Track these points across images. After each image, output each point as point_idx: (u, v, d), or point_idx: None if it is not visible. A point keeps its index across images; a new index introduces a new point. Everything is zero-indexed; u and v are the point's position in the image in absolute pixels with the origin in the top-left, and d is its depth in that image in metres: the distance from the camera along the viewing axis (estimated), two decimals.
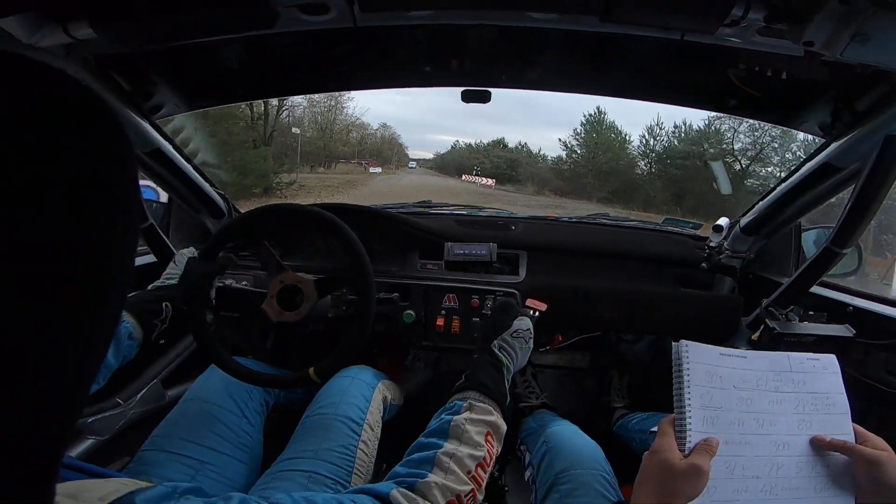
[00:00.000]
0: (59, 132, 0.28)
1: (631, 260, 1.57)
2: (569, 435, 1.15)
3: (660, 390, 1.73)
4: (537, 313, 1.23)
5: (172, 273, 1.14)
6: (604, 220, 1.81)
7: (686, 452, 0.66)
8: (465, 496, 0.64)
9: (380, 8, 0.91)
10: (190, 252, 1.20)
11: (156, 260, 1.39)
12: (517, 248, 1.54)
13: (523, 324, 0.97)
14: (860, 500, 0.70)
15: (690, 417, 0.68)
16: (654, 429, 0.74)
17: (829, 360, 0.76)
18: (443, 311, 1.42)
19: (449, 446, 0.68)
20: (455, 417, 0.72)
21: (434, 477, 0.63)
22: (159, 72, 1.17)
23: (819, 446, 0.71)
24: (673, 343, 0.72)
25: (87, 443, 1.14)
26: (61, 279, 0.28)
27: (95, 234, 0.30)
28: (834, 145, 1.04)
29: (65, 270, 0.28)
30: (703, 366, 0.70)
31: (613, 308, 1.44)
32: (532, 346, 0.98)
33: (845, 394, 0.74)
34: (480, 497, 0.67)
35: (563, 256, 1.56)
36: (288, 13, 0.88)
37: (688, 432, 0.67)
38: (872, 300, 1.27)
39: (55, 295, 0.28)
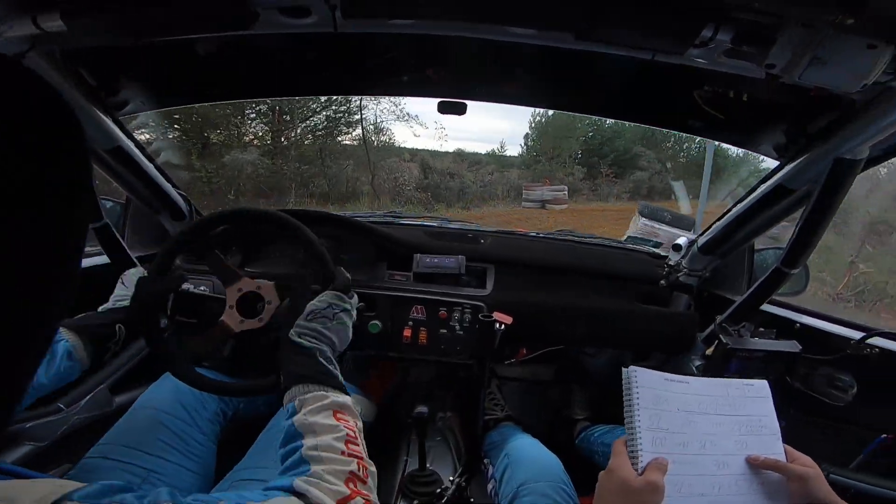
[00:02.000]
0: (14, 124, 0.28)
1: (594, 276, 1.60)
2: (529, 448, 1.17)
3: (619, 403, 1.75)
4: (503, 326, 1.23)
5: (123, 295, 1.07)
6: (569, 237, 1.85)
7: (639, 471, 0.71)
8: (358, 471, 0.64)
9: (362, 15, 0.90)
10: (139, 272, 1.13)
11: (109, 261, 1.33)
12: (485, 262, 1.55)
13: (320, 303, 0.91)
14: None
15: (641, 438, 0.73)
16: None
17: (761, 386, 0.84)
18: (410, 322, 1.40)
19: (308, 441, 0.66)
20: (294, 418, 0.71)
21: (316, 468, 0.62)
22: (126, 67, 1.12)
23: (754, 465, 0.77)
24: (623, 369, 0.78)
25: (24, 448, 1.06)
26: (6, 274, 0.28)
27: (46, 229, 0.30)
28: (787, 168, 1.09)
29: (8, 265, 0.28)
30: (651, 390, 0.77)
31: (576, 323, 1.46)
32: (346, 320, 0.93)
33: (775, 416, 0.82)
34: (371, 467, 0.68)
35: (529, 271, 1.57)
36: (267, 15, 0.86)
37: (639, 452, 0.72)
38: (816, 317, 1.35)
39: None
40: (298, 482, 0.59)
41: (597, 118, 14.30)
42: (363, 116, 11.29)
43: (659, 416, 0.76)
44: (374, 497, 0.64)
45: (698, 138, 15.31)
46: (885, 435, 1.11)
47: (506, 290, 1.48)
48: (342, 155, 11.34)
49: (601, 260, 1.66)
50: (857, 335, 1.18)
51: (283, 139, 10.41)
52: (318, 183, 10.31)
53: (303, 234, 1.10)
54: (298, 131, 10.92)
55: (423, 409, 1.18)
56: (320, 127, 11.19)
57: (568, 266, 1.60)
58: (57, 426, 1.15)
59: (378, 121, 11.94)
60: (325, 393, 0.74)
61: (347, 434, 0.69)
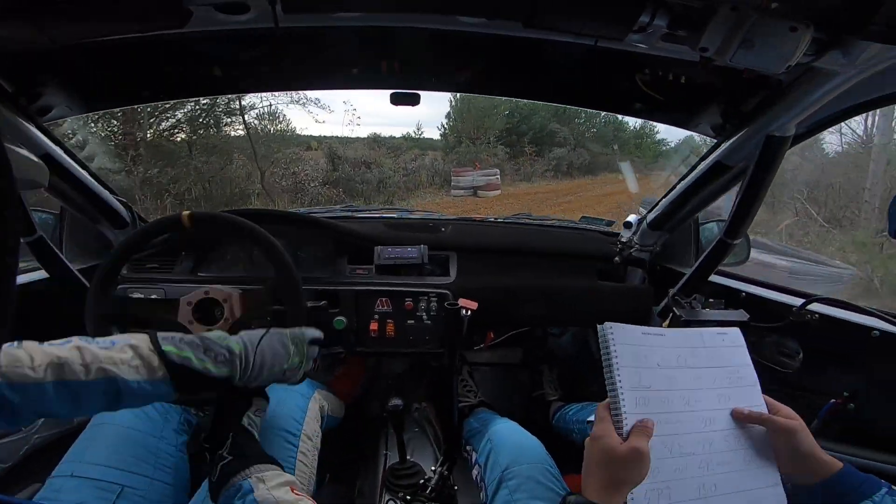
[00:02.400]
0: None
1: (552, 257, 1.64)
2: (510, 432, 1.19)
3: (587, 380, 1.82)
4: (469, 312, 1.25)
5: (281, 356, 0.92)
6: (526, 220, 1.90)
7: (624, 436, 0.67)
8: None
9: (304, 9, 0.88)
10: (314, 335, 1.01)
11: (48, 276, 1.27)
12: (447, 250, 1.56)
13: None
14: (781, 470, 0.73)
15: (624, 399, 0.69)
16: (592, 418, 0.75)
17: (735, 334, 0.80)
18: (376, 316, 1.40)
19: None
20: (255, 494, 0.74)
21: None
22: (49, 70, 1.05)
23: (738, 419, 0.74)
24: (598, 326, 0.73)
25: None
26: None
27: None
28: (724, 145, 1.15)
29: None
30: (629, 346, 0.72)
31: (538, 304, 1.50)
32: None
33: (752, 365, 0.78)
34: None
35: (490, 256, 1.60)
36: (202, 12, 0.83)
37: (623, 415, 0.68)
38: (759, 285, 1.42)
39: None
40: None
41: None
42: (242, 104, 9.05)
43: (639, 373, 0.71)
44: None
45: (604, 114, 15.46)
46: (833, 400, 1.15)
47: (469, 276, 1.50)
48: (224, 149, 9.08)
49: (558, 240, 1.71)
50: (799, 302, 1.23)
51: (148, 136, 8.22)
52: (183, 185, 8.26)
53: (263, 239, 1.07)
54: (162, 126, 8.58)
55: (397, 401, 1.18)
56: (196, 118, 8.98)
57: (527, 248, 1.64)
58: (18, 447, 1.13)
59: (269, 106, 9.70)
60: (279, 472, 0.80)
61: None
